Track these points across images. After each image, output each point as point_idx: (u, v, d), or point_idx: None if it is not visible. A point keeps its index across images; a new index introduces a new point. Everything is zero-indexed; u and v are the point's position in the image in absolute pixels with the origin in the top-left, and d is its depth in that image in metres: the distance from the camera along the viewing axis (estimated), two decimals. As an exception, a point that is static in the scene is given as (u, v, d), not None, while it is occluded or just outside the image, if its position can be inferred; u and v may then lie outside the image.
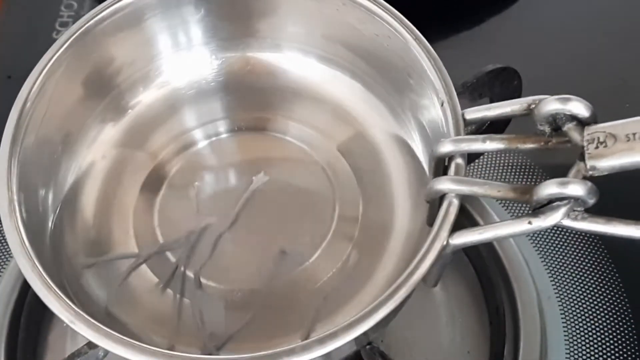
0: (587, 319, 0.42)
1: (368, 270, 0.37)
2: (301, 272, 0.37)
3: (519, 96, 0.39)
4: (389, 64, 0.38)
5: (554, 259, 0.44)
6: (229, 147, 0.42)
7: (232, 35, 0.42)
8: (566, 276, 0.44)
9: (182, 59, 0.42)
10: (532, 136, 0.31)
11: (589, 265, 0.44)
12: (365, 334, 0.29)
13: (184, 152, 0.41)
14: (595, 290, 0.43)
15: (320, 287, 0.37)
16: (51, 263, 0.34)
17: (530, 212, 0.29)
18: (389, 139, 0.40)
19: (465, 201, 0.39)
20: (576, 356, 0.41)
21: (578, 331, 0.42)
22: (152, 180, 0.40)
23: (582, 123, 0.29)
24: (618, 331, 0.42)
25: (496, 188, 0.30)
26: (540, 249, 0.44)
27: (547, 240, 0.45)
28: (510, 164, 0.48)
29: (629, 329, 0.42)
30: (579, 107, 0.29)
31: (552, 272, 0.44)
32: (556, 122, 0.30)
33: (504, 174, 0.48)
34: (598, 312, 0.43)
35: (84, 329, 0.30)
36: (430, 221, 0.32)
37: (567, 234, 0.45)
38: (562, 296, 0.43)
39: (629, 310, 0.43)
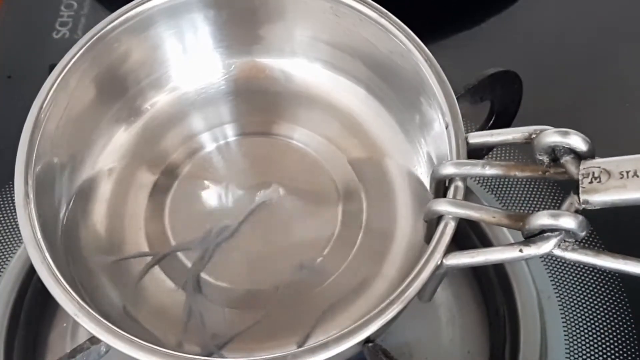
0: (587, 319, 0.42)
1: (369, 277, 0.38)
2: (306, 277, 0.38)
3: (519, 99, 0.40)
4: (401, 80, 0.38)
5: (553, 259, 0.43)
6: (238, 151, 0.42)
7: (242, 42, 0.42)
8: (566, 276, 0.44)
9: (192, 65, 0.42)
10: (530, 165, 0.32)
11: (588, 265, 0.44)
12: (358, 344, 0.30)
13: (194, 155, 0.42)
14: (595, 290, 0.43)
15: (323, 291, 0.37)
16: (62, 258, 0.35)
17: (523, 240, 0.30)
18: (397, 152, 0.40)
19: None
20: (576, 356, 0.41)
21: (578, 331, 0.42)
22: (163, 183, 0.41)
23: (579, 157, 0.30)
24: (618, 331, 0.42)
25: (491, 214, 0.31)
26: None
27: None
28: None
29: (629, 329, 0.42)
30: (577, 142, 0.30)
31: (552, 272, 0.44)
32: (555, 154, 0.31)
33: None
34: (598, 312, 0.43)
35: (87, 323, 0.30)
36: (428, 239, 0.33)
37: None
38: (562, 296, 0.43)
39: (629, 310, 0.43)
